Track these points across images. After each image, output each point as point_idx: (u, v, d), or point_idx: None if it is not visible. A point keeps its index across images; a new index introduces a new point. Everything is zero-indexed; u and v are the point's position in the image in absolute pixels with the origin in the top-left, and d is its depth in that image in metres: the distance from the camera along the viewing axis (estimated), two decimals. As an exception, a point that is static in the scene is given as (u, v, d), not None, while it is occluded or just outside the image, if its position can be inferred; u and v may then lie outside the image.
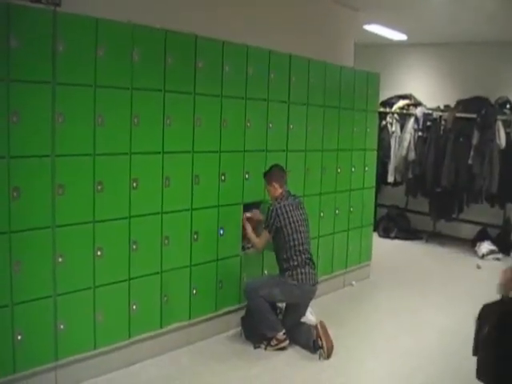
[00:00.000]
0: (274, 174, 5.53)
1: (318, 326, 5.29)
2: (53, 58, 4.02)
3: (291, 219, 5.38)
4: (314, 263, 5.51)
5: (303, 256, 5.38)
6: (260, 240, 5.52)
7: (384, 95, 9.41)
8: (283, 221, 5.34)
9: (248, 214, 5.79)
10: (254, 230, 5.73)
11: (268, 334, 5.32)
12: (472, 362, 4.17)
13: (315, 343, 5.25)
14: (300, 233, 5.42)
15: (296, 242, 5.36)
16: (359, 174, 7.56)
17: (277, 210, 5.35)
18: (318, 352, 5.23)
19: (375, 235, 9.10)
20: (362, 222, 7.68)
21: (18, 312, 3.95)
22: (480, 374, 3.97)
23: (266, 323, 5.29)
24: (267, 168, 5.65)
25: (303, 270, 5.33)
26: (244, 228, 5.73)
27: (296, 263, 5.33)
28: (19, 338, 3.97)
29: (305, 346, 5.36)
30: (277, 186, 5.48)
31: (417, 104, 10.57)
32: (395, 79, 10.99)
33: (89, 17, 4.23)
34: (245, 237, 5.79)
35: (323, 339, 5.21)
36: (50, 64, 4.02)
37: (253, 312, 5.33)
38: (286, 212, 5.38)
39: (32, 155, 3.98)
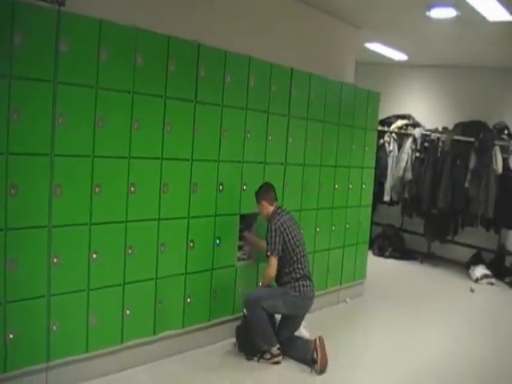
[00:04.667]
0: (261, 192, 5.53)
1: (317, 340, 5.25)
2: (55, 57, 4.02)
3: (291, 234, 5.37)
4: (311, 275, 5.54)
5: (305, 269, 5.40)
6: (271, 268, 5.32)
7: (383, 114, 9.40)
8: (286, 236, 5.32)
9: (246, 233, 5.86)
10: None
11: (263, 346, 5.28)
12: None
13: (312, 357, 5.22)
14: (300, 246, 5.43)
15: (299, 256, 5.38)
16: (356, 191, 7.55)
17: (277, 229, 5.32)
18: (312, 366, 5.20)
19: (370, 253, 9.08)
20: (357, 240, 7.66)
21: (11, 310, 3.92)
22: None
23: (262, 336, 5.24)
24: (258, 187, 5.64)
25: (304, 283, 5.34)
26: (251, 241, 5.87)
27: (298, 276, 5.33)
28: (11, 336, 3.93)
29: (301, 360, 5.31)
30: (266, 204, 5.48)
31: (415, 124, 10.61)
32: (394, 99, 11.05)
33: (93, 18, 4.23)
34: (241, 247, 5.83)
35: (319, 353, 5.16)
36: (52, 63, 4.01)
37: (251, 323, 5.26)
38: (287, 228, 5.36)
39: (31, 153, 3.97)
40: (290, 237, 5.34)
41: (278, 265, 5.33)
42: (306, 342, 5.40)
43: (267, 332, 5.25)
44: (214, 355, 5.36)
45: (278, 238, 5.28)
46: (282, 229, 5.32)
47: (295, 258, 5.35)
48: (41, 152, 4.02)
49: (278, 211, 5.48)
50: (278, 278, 5.41)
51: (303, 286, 5.33)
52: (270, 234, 5.32)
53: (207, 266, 5.43)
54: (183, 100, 5.02)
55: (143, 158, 4.73)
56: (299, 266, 5.36)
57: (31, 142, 3.97)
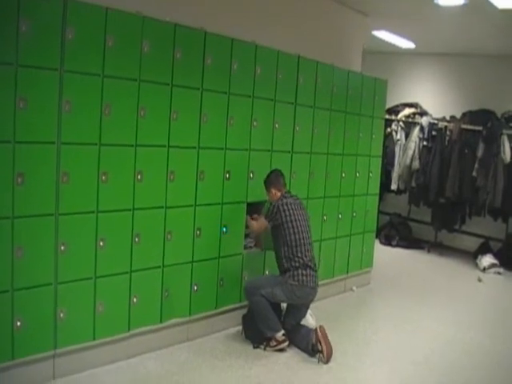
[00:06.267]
0: (270, 180, 5.54)
1: (318, 330, 5.21)
2: (62, 45, 4.01)
3: (292, 217, 5.33)
4: (315, 265, 5.47)
5: (305, 258, 5.32)
6: (257, 223, 5.51)
7: (390, 102, 9.38)
8: (284, 217, 5.30)
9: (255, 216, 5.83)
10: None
11: (267, 333, 5.27)
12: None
13: (314, 347, 5.19)
14: (302, 233, 5.37)
15: (299, 242, 5.31)
16: (363, 179, 7.53)
17: (279, 206, 5.33)
18: (318, 356, 5.18)
19: (376, 242, 9.06)
20: (364, 228, 7.64)
21: (19, 298, 3.94)
22: None
23: (265, 322, 5.24)
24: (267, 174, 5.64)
25: (304, 272, 5.28)
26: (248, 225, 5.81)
27: (298, 264, 5.27)
28: (18, 324, 3.95)
29: (304, 349, 5.30)
30: (275, 191, 5.49)
31: (423, 113, 10.56)
32: (402, 87, 11.02)
33: (99, 6, 4.21)
34: (247, 235, 5.83)
35: (323, 343, 5.15)
36: (58, 51, 4.00)
37: (253, 310, 5.29)
38: (288, 209, 5.34)
39: (38, 141, 3.97)
40: (288, 219, 5.31)
41: (274, 247, 5.39)
42: (308, 330, 5.37)
43: (269, 318, 5.24)
44: (221, 343, 5.37)
45: (274, 215, 5.34)
46: (282, 208, 5.33)
47: (293, 244, 5.29)
48: (47, 140, 4.02)
49: (285, 195, 5.48)
50: (278, 264, 5.42)
51: (302, 275, 5.26)
52: (270, 206, 5.42)
53: (214, 254, 5.44)
54: (190, 88, 5.01)
55: (150, 145, 4.72)
56: (299, 254, 5.29)
57: (38, 131, 3.97)
